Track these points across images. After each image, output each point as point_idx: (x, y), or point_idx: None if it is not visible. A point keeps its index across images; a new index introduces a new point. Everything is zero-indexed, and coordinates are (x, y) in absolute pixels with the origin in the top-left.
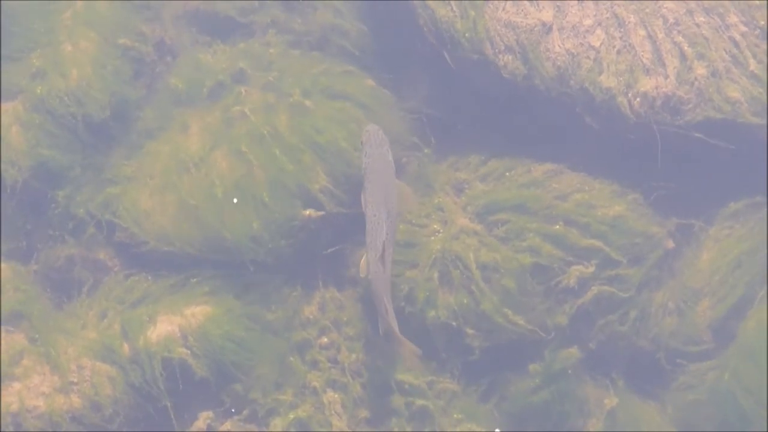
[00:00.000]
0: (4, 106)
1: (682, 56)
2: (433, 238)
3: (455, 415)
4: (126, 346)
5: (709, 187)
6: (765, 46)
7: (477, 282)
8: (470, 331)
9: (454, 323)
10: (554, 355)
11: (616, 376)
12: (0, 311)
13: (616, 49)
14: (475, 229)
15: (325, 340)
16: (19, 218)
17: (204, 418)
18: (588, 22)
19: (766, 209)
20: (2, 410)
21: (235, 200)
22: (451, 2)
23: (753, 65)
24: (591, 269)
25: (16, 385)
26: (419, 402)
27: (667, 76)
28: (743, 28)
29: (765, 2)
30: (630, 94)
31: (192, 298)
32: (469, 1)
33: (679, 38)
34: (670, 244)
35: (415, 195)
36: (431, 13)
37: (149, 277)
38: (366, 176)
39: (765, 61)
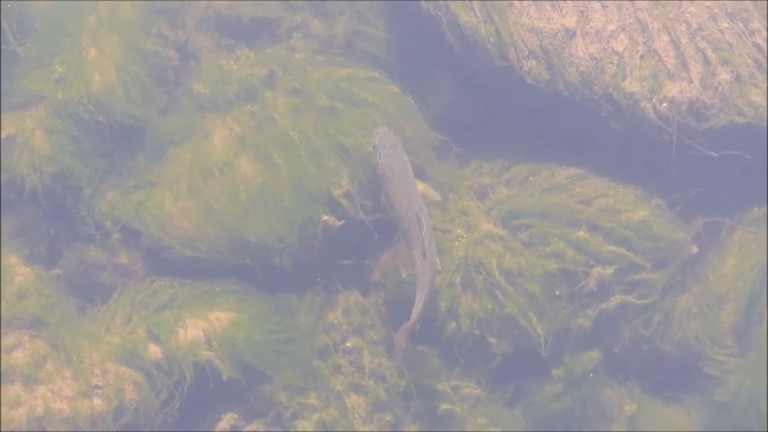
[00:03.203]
0: (28, 111)
1: (706, 61)
2: (456, 243)
3: (479, 420)
4: (150, 351)
5: (733, 192)
6: None
7: (500, 287)
8: (493, 338)
9: (477, 330)
10: (575, 359)
11: (640, 380)
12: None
13: (639, 55)
14: (498, 233)
15: (348, 344)
16: (43, 223)
17: (227, 420)
18: (611, 27)
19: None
20: (28, 414)
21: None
22: (475, 8)
23: None
24: (611, 272)
25: (41, 389)
26: (443, 406)
27: (690, 81)
28: (767, 34)
29: None
30: (654, 100)
31: (216, 303)
32: (493, 5)
33: (703, 43)
34: (694, 249)
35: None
36: (455, 19)
37: (174, 282)
38: (386, 178)
39: None
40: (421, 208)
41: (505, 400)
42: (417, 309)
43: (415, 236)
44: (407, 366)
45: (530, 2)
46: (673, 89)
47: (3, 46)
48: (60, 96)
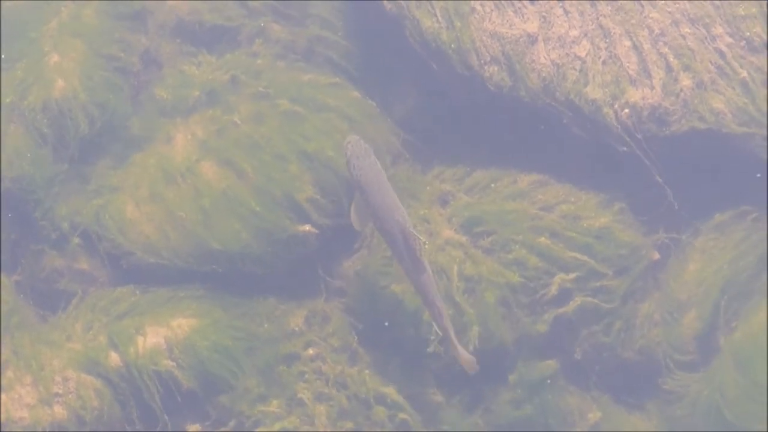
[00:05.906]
0: None
1: (668, 67)
2: None
3: (440, 426)
4: (111, 358)
5: (695, 198)
6: (751, 58)
7: (460, 294)
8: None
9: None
10: (532, 366)
11: (602, 387)
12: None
13: (601, 60)
14: (460, 240)
15: (310, 352)
16: (4, 228)
17: (194, 430)
18: (574, 33)
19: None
20: None
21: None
22: (437, 13)
23: (741, 75)
24: (572, 277)
25: (1, 396)
26: (402, 415)
27: (653, 88)
28: (729, 40)
29: (751, 13)
30: (616, 106)
31: (179, 310)
32: (455, 9)
33: (665, 49)
34: (656, 255)
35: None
36: (417, 24)
37: (136, 290)
38: (364, 189)
39: (751, 72)
40: (404, 216)
41: (464, 406)
42: (445, 323)
43: (403, 245)
44: (368, 373)
45: (492, 7)
46: (635, 95)
47: None
48: (19, 101)
